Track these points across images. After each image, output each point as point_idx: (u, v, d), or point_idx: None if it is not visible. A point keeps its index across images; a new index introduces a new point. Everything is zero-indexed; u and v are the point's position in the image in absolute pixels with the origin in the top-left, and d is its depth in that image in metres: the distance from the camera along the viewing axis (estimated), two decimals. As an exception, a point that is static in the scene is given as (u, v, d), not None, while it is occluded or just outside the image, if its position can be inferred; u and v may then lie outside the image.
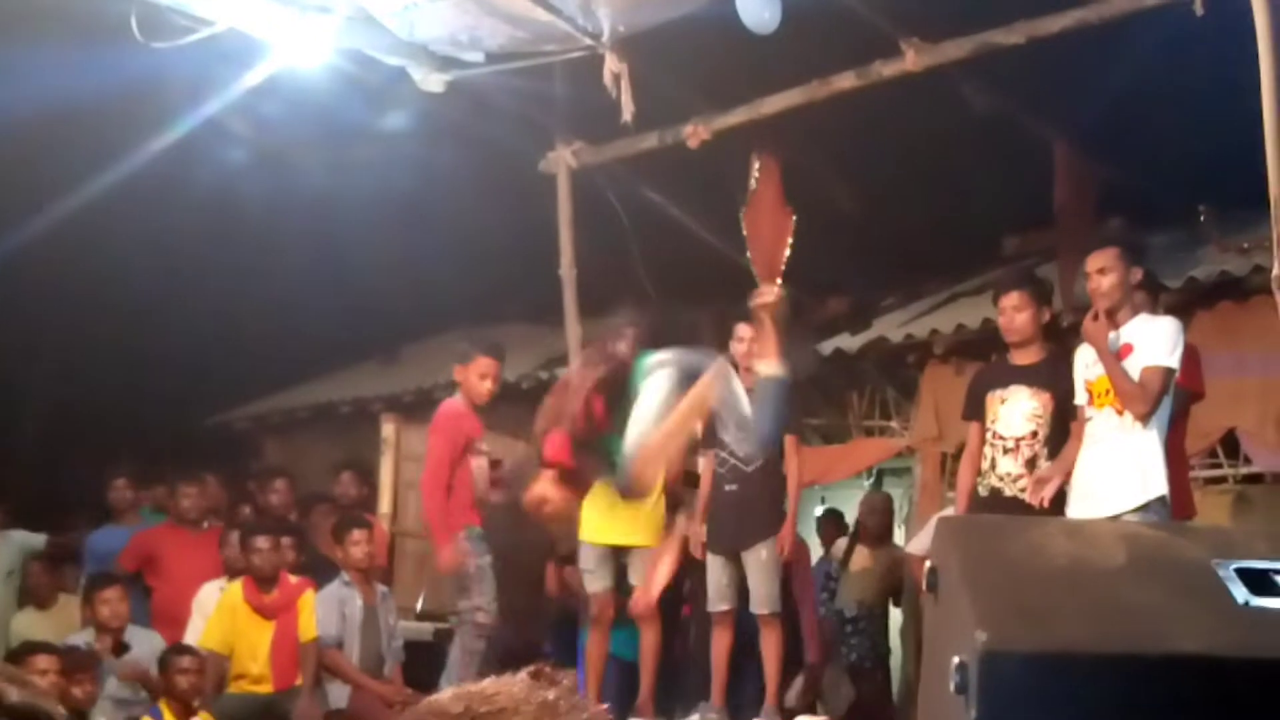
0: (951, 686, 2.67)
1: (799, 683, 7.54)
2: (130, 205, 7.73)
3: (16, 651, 6.49)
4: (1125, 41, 6.74)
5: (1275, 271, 2.43)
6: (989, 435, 6.04)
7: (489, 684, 1.24)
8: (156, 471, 8.55)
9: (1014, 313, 6.06)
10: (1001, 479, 5.97)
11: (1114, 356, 5.53)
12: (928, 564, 3.12)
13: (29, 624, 7.76)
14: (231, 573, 7.42)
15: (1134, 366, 5.50)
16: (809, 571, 7.58)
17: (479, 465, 6.91)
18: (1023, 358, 6.08)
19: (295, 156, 7.90)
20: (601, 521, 6.89)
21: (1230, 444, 7.54)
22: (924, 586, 3.14)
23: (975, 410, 6.16)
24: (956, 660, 2.67)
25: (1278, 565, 2.64)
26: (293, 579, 7.25)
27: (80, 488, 8.98)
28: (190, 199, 8.38)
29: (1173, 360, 5.48)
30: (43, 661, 6.17)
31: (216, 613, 7.18)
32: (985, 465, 6.04)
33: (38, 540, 8.36)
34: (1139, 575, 2.75)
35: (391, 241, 9.01)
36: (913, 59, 6.76)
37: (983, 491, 6.02)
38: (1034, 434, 5.94)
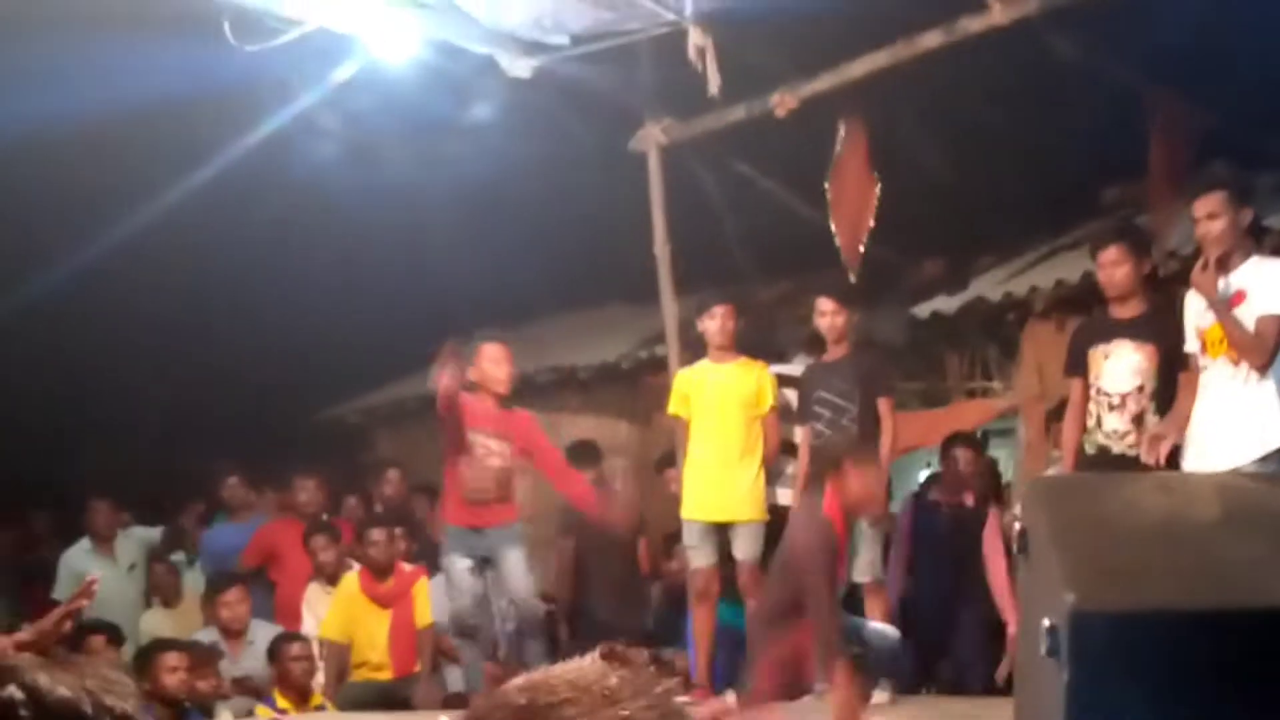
0: (1043, 649, 2.67)
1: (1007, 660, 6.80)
2: (227, 202, 7.90)
3: (147, 648, 6.75)
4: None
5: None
6: (1094, 392, 5.95)
7: (558, 670, 1.22)
8: (270, 468, 8.75)
9: (1113, 267, 5.95)
10: (1108, 436, 5.88)
11: (1226, 305, 5.41)
12: (1017, 526, 3.13)
13: (157, 622, 8.02)
14: (323, 574, 7.57)
15: (1248, 313, 5.38)
16: (998, 536, 7.24)
17: (481, 460, 6.77)
18: (1124, 311, 5.97)
19: (387, 149, 8.03)
20: (703, 498, 6.95)
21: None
22: (1015, 549, 3.14)
23: (1078, 366, 6.06)
24: (1047, 623, 2.67)
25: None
26: (407, 567, 7.40)
27: (193, 485, 9.21)
28: (285, 195, 8.54)
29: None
30: (172, 659, 6.41)
31: (335, 604, 7.35)
32: (1091, 423, 5.95)
33: (155, 535, 8.64)
34: (1236, 529, 2.73)
35: (485, 230, 9.10)
36: (999, 11, 6.67)
37: (1090, 449, 5.94)
38: (1140, 389, 5.83)
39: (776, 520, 6.99)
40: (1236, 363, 5.42)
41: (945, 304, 8.76)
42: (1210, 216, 5.52)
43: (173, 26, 6.26)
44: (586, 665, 1.24)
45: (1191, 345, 5.63)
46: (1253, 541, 2.74)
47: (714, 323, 7.00)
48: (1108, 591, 2.63)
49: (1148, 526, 2.86)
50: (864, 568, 6.69)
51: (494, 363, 6.85)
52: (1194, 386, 5.58)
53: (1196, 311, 5.61)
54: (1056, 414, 7.04)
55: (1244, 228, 5.55)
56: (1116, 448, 5.84)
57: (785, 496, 7.05)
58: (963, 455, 7.58)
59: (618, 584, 8.07)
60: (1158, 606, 2.61)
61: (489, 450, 6.79)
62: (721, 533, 6.95)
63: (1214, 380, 5.50)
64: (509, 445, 6.84)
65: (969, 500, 7.41)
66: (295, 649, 6.84)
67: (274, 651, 6.85)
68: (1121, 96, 7.88)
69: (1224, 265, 5.50)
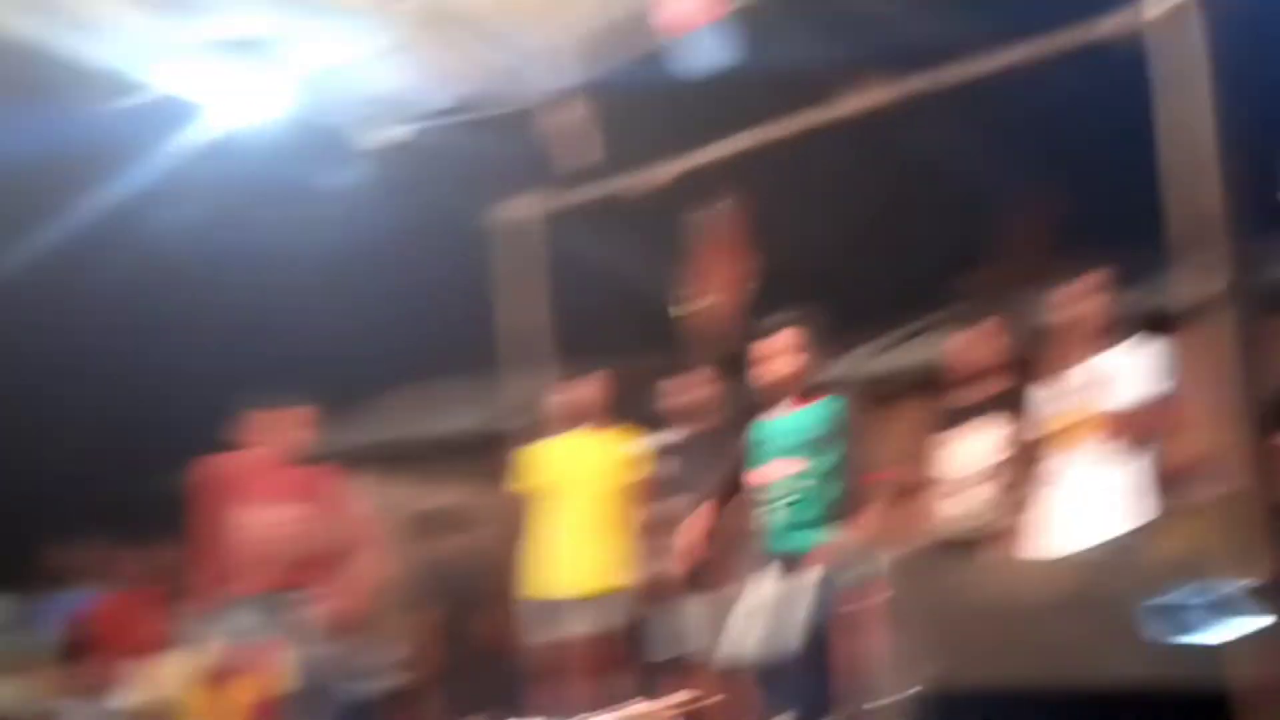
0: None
1: None
2: (70, 268, 7.70)
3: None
4: (1075, 75, 6.77)
5: (1191, 299, 2.44)
6: (948, 473, 6.01)
7: None
8: (105, 536, 8.50)
9: (972, 348, 6.04)
10: (959, 518, 5.93)
11: (1095, 389, 5.48)
12: (883, 600, 3.12)
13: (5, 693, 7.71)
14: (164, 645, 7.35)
15: (1114, 397, 5.46)
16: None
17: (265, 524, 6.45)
18: (980, 393, 6.05)
19: (246, 214, 7.88)
20: (568, 569, 6.86)
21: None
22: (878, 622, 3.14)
23: (931, 449, 6.13)
24: (905, 695, 2.66)
25: (1194, 599, 2.64)
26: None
27: (27, 554, 8.90)
28: (131, 262, 8.34)
29: (1166, 389, 5.44)
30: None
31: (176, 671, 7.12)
32: (946, 504, 6.01)
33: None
34: (1069, 610, 2.75)
35: (339, 298, 8.98)
36: (871, 96, 6.78)
37: (943, 530, 5.98)
38: (991, 471, 5.90)
39: (644, 593, 6.93)
40: (1086, 449, 5.48)
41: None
42: (1084, 296, 5.61)
43: (14, 86, 6.08)
44: None
45: (1039, 431, 5.68)
46: (1084, 622, 2.77)
47: (572, 395, 6.97)
48: (963, 666, 2.63)
49: (998, 605, 2.87)
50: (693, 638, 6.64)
51: (298, 426, 6.58)
52: (1044, 469, 5.63)
53: (1050, 394, 5.68)
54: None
55: (1115, 311, 5.64)
56: (966, 528, 5.87)
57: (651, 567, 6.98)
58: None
59: (480, 655, 7.92)
60: (1007, 682, 2.61)
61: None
62: (584, 604, 6.86)
63: (1063, 466, 5.55)
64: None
65: None
66: None
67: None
68: (978, 185, 8.07)
69: (1091, 347, 5.58)
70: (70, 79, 5.89)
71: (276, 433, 6.48)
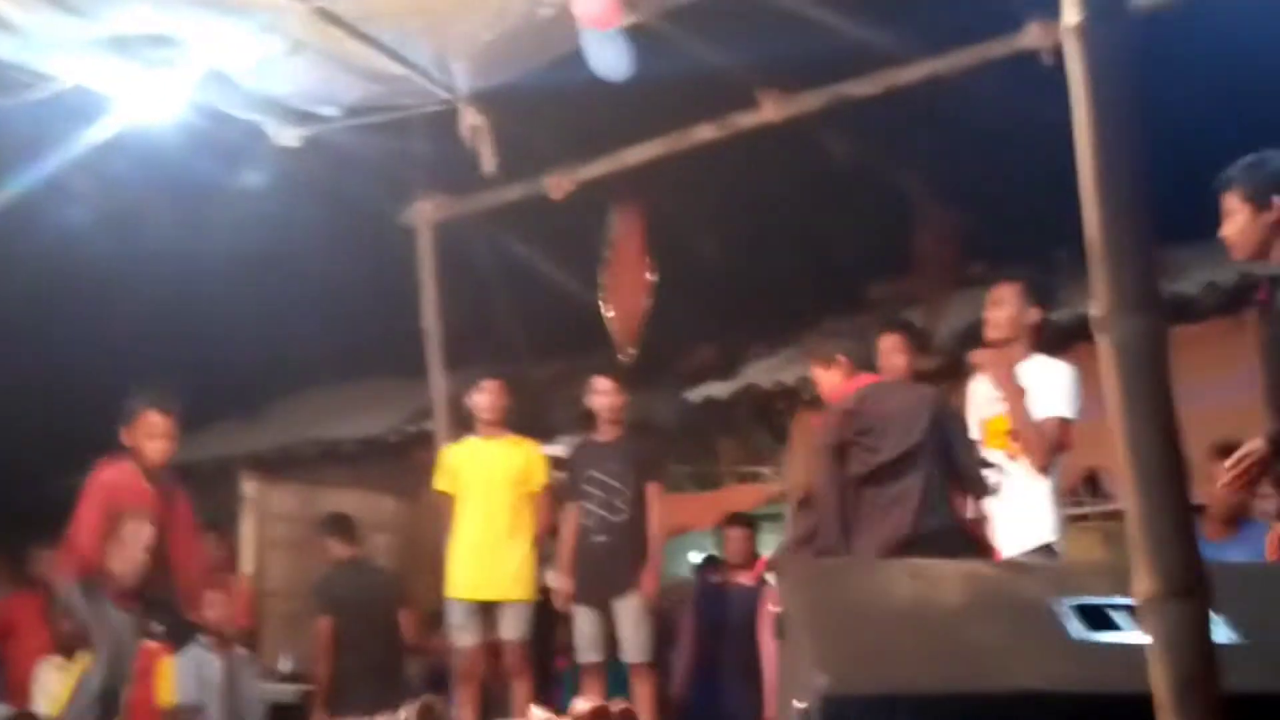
0: (796, 732, 2.66)
1: None
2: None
3: None
4: (980, 91, 6.88)
5: (1093, 313, 2.47)
6: None
7: None
8: (9, 539, 8.30)
9: (890, 355, 6.08)
10: None
11: (1017, 393, 5.52)
12: (774, 609, 3.12)
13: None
14: (63, 647, 7.19)
15: (1025, 409, 5.52)
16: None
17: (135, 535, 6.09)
18: None
19: (147, 214, 7.74)
20: (470, 576, 6.83)
21: (1091, 483, 7.68)
22: (774, 634, 3.13)
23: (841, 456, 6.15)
24: (799, 705, 2.66)
25: (1112, 601, 2.67)
26: (150, 644, 7.06)
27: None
28: (34, 259, 8.15)
29: (1073, 412, 5.51)
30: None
31: (70, 680, 6.96)
32: None
33: None
34: (979, 614, 2.77)
35: (251, 299, 8.85)
36: (771, 110, 6.84)
37: None
38: None
39: (546, 602, 6.92)
40: (1013, 456, 5.54)
41: (718, 389, 8.89)
42: (996, 304, 5.67)
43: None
44: None
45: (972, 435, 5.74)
46: (994, 626, 2.78)
47: (484, 398, 6.94)
48: (858, 674, 2.63)
49: (897, 611, 2.88)
50: (634, 649, 6.65)
51: (150, 437, 6.13)
52: None
53: (980, 402, 5.73)
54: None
55: (1029, 325, 5.69)
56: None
57: (554, 579, 6.98)
58: (738, 535, 7.66)
59: (376, 663, 7.83)
60: (906, 689, 2.62)
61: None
62: (488, 612, 6.83)
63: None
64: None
65: (749, 580, 7.46)
66: None
67: None
68: (889, 196, 8.16)
69: (1004, 358, 5.63)
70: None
71: (144, 441, 6.10)
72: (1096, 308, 2.47)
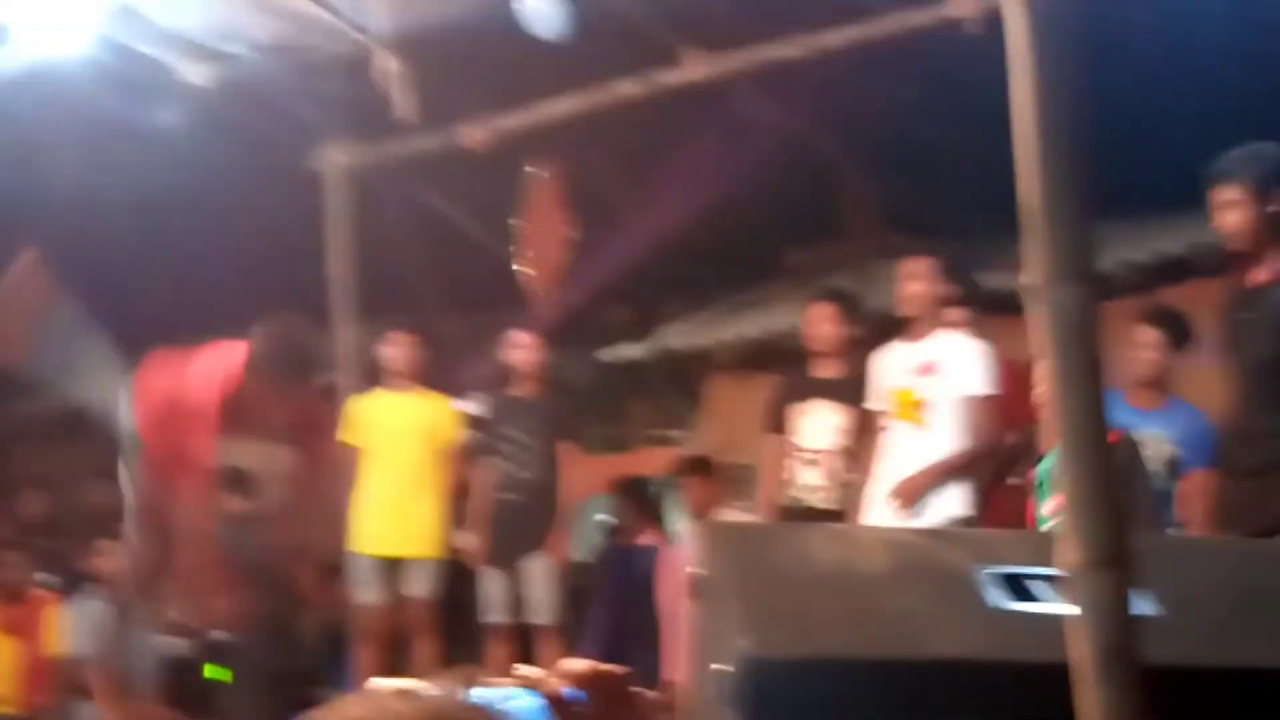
0: (713, 695, 2.62)
1: None
2: None
3: None
4: (907, 59, 6.85)
5: (1027, 282, 2.45)
6: (790, 447, 6.06)
7: (393, 704, 1.03)
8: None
9: (821, 324, 6.08)
10: (801, 490, 6.00)
11: (915, 372, 5.56)
12: (691, 571, 3.07)
13: None
14: None
15: (939, 385, 5.54)
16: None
17: None
18: (826, 370, 6.10)
19: (51, 152, 7.48)
20: (376, 531, 6.72)
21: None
22: (688, 594, 3.09)
23: (774, 422, 6.16)
24: (719, 668, 2.62)
25: (1031, 570, 2.66)
26: (39, 592, 6.90)
27: None
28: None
29: (994, 387, 5.53)
30: None
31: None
32: (787, 477, 6.05)
33: None
34: (900, 581, 2.74)
35: (156, 242, 8.61)
36: (693, 69, 6.76)
37: (785, 502, 6.04)
38: (837, 447, 5.96)
39: (454, 562, 6.83)
40: (919, 425, 5.57)
41: (632, 351, 8.83)
42: (911, 278, 5.68)
43: None
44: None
45: (878, 404, 5.76)
46: (916, 593, 2.77)
47: (396, 350, 6.82)
48: (780, 638, 2.59)
49: (819, 575, 2.85)
50: (542, 611, 6.60)
51: None
52: (876, 445, 5.72)
53: (885, 372, 5.75)
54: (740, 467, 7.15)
55: (942, 299, 5.71)
56: (809, 500, 5.98)
57: (464, 540, 6.89)
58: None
59: (270, 618, 7.68)
60: (826, 654, 2.59)
61: None
62: (394, 568, 6.73)
63: (899, 442, 5.64)
64: None
65: (650, 542, 7.44)
66: None
67: None
68: (811, 162, 8.12)
69: (916, 330, 5.67)
70: None
71: None
72: (1031, 276, 2.44)
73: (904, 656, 2.55)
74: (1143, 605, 2.44)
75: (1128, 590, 2.34)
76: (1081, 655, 2.29)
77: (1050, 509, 5.03)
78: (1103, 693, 2.26)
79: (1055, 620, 2.41)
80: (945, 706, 2.56)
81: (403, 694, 1.01)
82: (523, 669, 1.05)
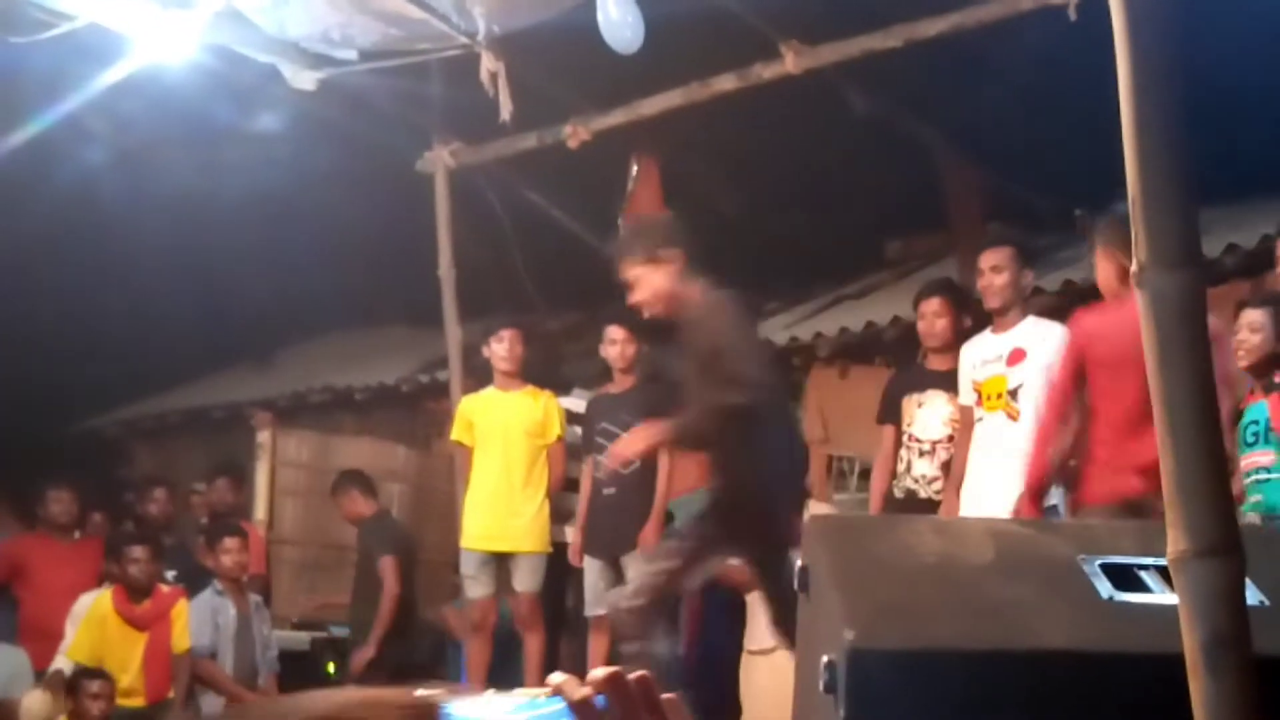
0: (821, 686, 2.64)
1: None
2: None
3: None
4: (1004, 45, 6.80)
5: (1132, 269, 2.42)
6: (905, 438, 6.07)
7: (370, 692, 1.11)
8: (20, 480, 8.29)
9: (934, 318, 6.08)
10: (916, 480, 6.01)
11: (1004, 362, 5.54)
12: (798, 563, 3.09)
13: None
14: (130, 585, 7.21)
15: (1028, 370, 5.51)
16: None
17: None
18: (940, 363, 6.10)
19: (161, 156, 7.67)
20: (484, 527, 6.81)
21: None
22: (795, 586, 3.11)
23: (890, 414, 6.18)
24: (825, 659, 2.64)
25: (1140, 561, 2.65)
26: (165, 588, 7.07)
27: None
28: (49, 198, 8.10)
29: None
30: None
31: (85, 625, 6.96)
32: (901, 468, 6.07)
33: None
34: (1006, 572, 2.74)
35: (264, 244, 8.80)
36: (792, 61, 6.75)
37: (898, 493, 6.08)
38: (950, 437, 5.96)
39: (558, 554, 6.90)
40: (1015, 418, 5.54)
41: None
42: (995, 270, 5.68)
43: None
44: (391, 695, 1.11)
45: (968, 398, 5.75)
46: (1021, 584, 2.77)
47: (501, 347, 6.90)
48: (885, 629, 2.61)
49: (924, 567, 2.86)
50: (593, 600, 6.64)
51: None
52: (970, 434, 5.70)
53: (973, 364, 5.74)
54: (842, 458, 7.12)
55: (1024, 287, 5.73)
56: (924, 492, 6.00)
57: (569, 534, 6.96)
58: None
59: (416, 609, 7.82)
60: (932, 645, 2.61)
61: None
62: (502, 563, 6.82)
63: (989, 432, 5.62)
64: None
65: None
66: (95, 686, 6.44)
67: (74, 685, 6.44)
68: (910, 152, 8.07)
69: (1002, 320, 5.65)
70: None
71: None
72: (1135, 262, 2.43)
73: (1011, 647, 2.55)
74: (1250, 595, 2.42)
75: (1237, 579, 2.32)
76: (1192, 645, 2.27)
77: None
78: (1214, 683, 2.24)
79: (1165, 610, 2.39)
80: (1054, 698, 2.56)
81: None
82: (554, 676, 1.10)
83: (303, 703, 1.10)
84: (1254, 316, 5.17)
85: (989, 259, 5.73)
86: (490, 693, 1.11)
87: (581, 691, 1.07)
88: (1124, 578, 2.65)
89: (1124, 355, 4.47)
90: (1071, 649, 2.53)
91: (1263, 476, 5.04)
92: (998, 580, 2.76)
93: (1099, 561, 2.69)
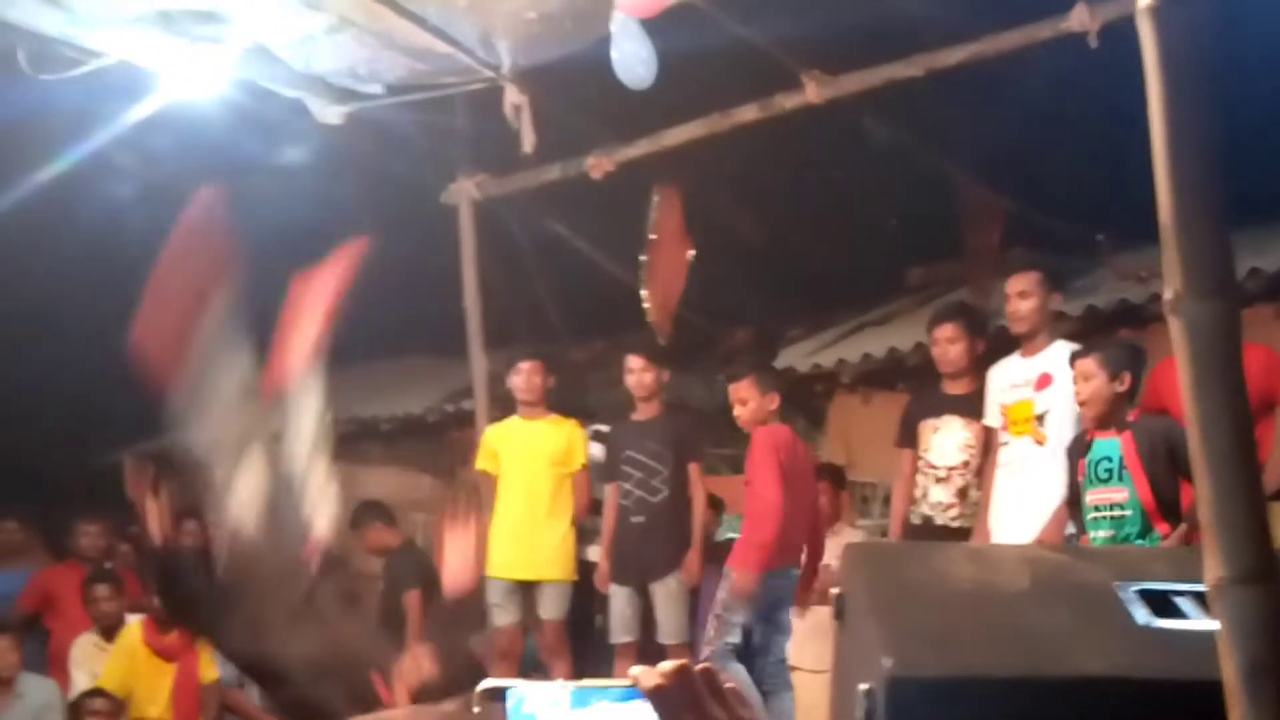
0: (859, 713, 2.65)
1: None
2: (14, 239, 7.52)
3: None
4: (1023, 73, 6.83)
5: (1166, 297, 2.43)
6: (921, 464, 6.05)
7: (398, 712, 1.20)
8: (50, 513, 8.34)
9: (948, 344, 6.06)
10: (933, 507, 5.98)
11: (1032, 387, 5.56)
12: (834, 591, 3.10)
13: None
14: (101, 624, 7.23)
15: (1054, 397, 5.52)
16: None
17: None
18: (955, 388, 6.08)
19: (189, 190, 7.73)
20: (509, 555, 6.84)
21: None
22: (832, 614, 3.12)
23: (908, 438, 6.16)
24: (864, 687, 2.65)
25: (1176, 587, 2.65)
26: (191, 620, 7.10)
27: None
28: (77, 233, 8.18)
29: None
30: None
31: (114, 655, 7.01)
32: (918, 494, 6.05)
33: None
34: (1042, 598, 2.75)
35: (291, 276, 8.84)
36: (813, 91, 6.78)
37: (915, 520, 6.04)
38: (965, 464, 5.95)
39: (585, 577, 6.92)
40: (1042, 443, 5.55)
41: (753, 372, 8.82)
42: (1021, 295, 5.68)
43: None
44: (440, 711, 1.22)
45: (995, 421, 5.75)
46: (1058, 610, 2.77)
47: (519, 379, 6.96)
48: (923, 657, 2.62)
49: (960, 594, 2.87)
50: (670, 630, 6.64)
51: None
52: (996, 459, 5.70)
53: (1001, 388, 5.74)
54: (864, 485, 7.11)
55: (1051, 311, 5.74)
56: (940, 519, 5.96)
57: (594, 554, 6.98)
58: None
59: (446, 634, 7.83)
60: (970, 673, 2.61)
61: None
62: (527, 591, 6.85)
63: (1016, 457, 5.62)
64: None
65: None
66: (98, 704, 6.47)
67: (77, 707, 6.47)
68: (930, 180, 8.10)
69: (1030, 345, 5.66)
70: (21, 43, 5.77)
71: None
72: (1169, 291, 2.44)
73: (1048, 674, 2.56)
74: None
75: (1276, 606, 2.32)
76: (1231, 672, 2.28)
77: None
78: (1254, 710, 2.25)
79: (1203, 637, 2.39)
80: (1091, 724, 2.56)
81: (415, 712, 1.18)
82: (633, 669, 1.20)
83: None
84: (1084, 367, 5.26)
85: (1016, 284, 5.74)
86: (562, 682, 1.19)
87: (655, 680, 1.15)
88: (1161, 604, 2.66)
89: None
90: (1110, 676, 2.54)
91: (1116, 513, 5.10)
92: (1034, 607, 2.77)
93: (1135, 588, 2.70)
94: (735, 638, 6.08)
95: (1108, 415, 5.15)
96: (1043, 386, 5.60)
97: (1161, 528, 5.02)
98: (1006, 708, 2.60)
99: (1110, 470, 5.17)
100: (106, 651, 7.12)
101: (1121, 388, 5.15)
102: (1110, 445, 5.16)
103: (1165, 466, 4.99)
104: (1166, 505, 5.02)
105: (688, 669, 1.19)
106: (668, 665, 1.20)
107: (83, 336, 9.36)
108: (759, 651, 6.14)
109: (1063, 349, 5.63)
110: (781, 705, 6.08)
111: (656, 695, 1.16)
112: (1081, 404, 5.24)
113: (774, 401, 6.26)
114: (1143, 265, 7.44)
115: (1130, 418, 5.19)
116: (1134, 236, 7.52)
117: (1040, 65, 6.68)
